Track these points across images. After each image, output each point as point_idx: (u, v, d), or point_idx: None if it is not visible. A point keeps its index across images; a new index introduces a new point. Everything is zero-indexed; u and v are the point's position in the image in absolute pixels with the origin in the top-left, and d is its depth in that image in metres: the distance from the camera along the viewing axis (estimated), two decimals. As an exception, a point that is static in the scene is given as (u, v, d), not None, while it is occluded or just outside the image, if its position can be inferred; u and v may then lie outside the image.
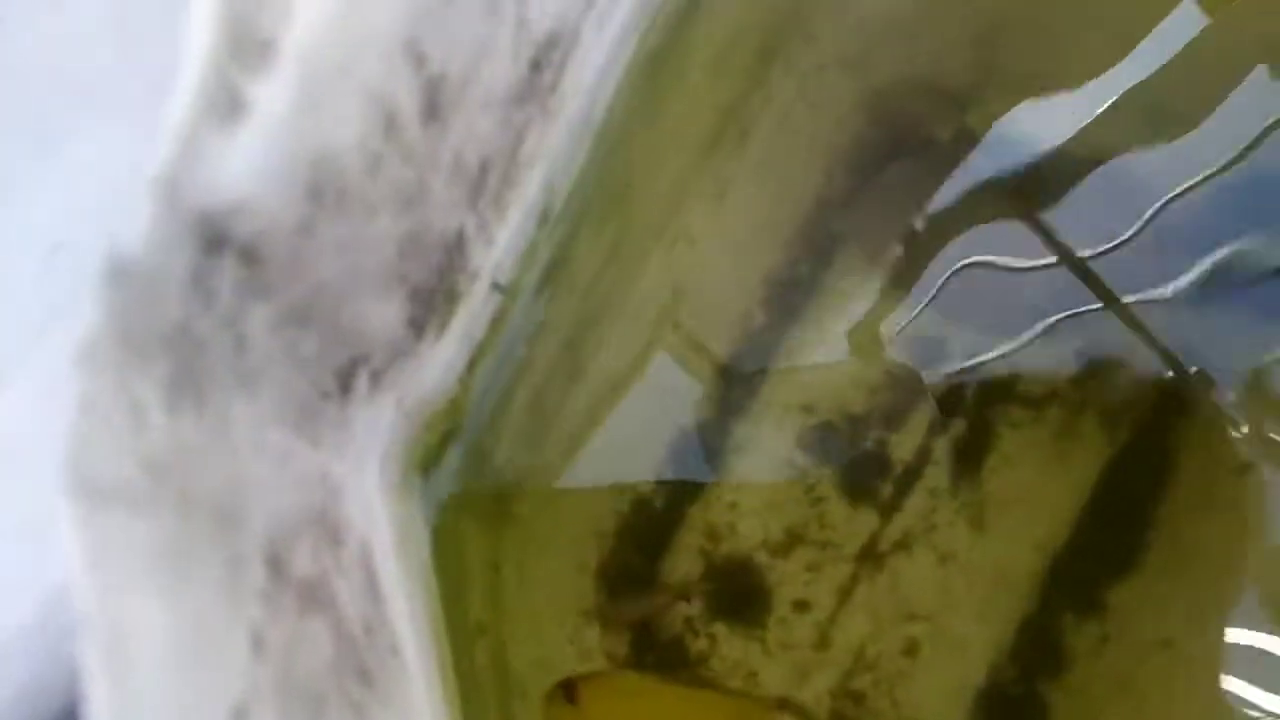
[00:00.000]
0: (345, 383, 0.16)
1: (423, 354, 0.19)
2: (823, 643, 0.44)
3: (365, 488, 0.18)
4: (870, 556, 0.44)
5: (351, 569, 0.15)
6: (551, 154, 0.21)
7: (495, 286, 0.21)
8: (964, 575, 0.44)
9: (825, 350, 0.47)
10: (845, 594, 0.44)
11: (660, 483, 0.45)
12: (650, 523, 0.45)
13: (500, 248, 0.20)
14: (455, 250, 0.18)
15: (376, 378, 0.17)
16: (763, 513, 0.45)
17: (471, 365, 0.22)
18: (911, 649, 0.43)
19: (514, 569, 0.39)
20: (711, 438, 0.46)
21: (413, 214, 0.15)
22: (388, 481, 0.20)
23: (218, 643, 0.10)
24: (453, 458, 0.25)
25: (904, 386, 0.47)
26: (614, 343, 0.40)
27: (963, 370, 0.46)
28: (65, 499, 0.09)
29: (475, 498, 0.29)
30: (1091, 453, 0.45)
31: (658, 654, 0.44)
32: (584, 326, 0.34)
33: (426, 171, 0.15)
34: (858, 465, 0.45)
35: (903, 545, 0.44)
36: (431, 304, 0.18)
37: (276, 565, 0.12)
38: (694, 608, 0.44)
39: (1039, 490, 0.44)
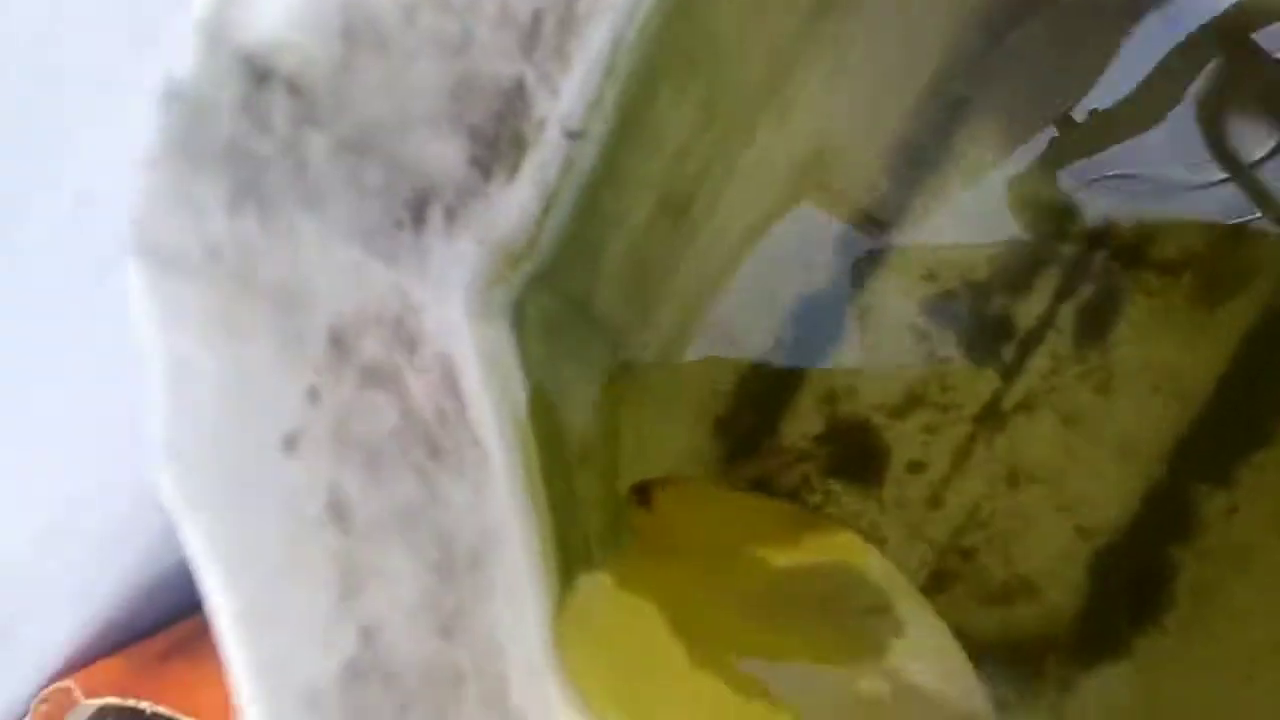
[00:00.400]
0: (418, 214, 0.18)
1: (494, 196, 0.21)
2: (936, 501, 0.45)
3: (450, 317, 0.21)
4: (990, 418, 0.45)
5: (429, 367, 0.18)
6: (615, 7, 0.22)
7: (568, 134, 0.22)
8: (1087, 439, 0.44)
9: (950, 218, 0.47)
10: (962, 455, 0.45)
11: (780, 344, 0.47)
12: (769, 383, 0.47)
13: (567, 99, 0.22)
14: (515, 98, 0.19)
15: (451, 214, 0.20)
16: (882, 376, 0.46)
17: (548, 210, 0.24)
18: (1027, 509, 0.44)
19: (623, 421, 0.42)
20: (833, 303, 0.47)
21: (459, 61, 0.17)
22: (475, 318, 0.23)
23: (273, 389, 0.13)
24: (549, 302, 0.27)
25: (1030, 253, 0.46)
26: (725, 208, 0.41)
27: (1094, 236, 0.45)
28: (132, 258, 0.11)
29: (577, 348, 0.32)
30: (1229, 323, 0.43)
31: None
32: (686, 187, 0.35)
33: (469, 21, 0.17)
34: (980, 330, 0.45)
35: (1025, 407, 0.44)
36: (496, 147, 0.20)
37: (340, 343, 0.14)
38: (811, 466, 0.46)
39: (1170, 358, 0.43)
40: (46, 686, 0.39)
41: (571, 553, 0.25)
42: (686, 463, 0.46)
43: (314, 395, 0.13)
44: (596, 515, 0.31)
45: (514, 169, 0.21)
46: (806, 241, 0.46)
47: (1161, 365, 0.43)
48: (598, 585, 0.26)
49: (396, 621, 0.14)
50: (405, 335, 0.17)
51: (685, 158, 0.31)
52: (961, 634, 0.43)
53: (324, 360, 0.14)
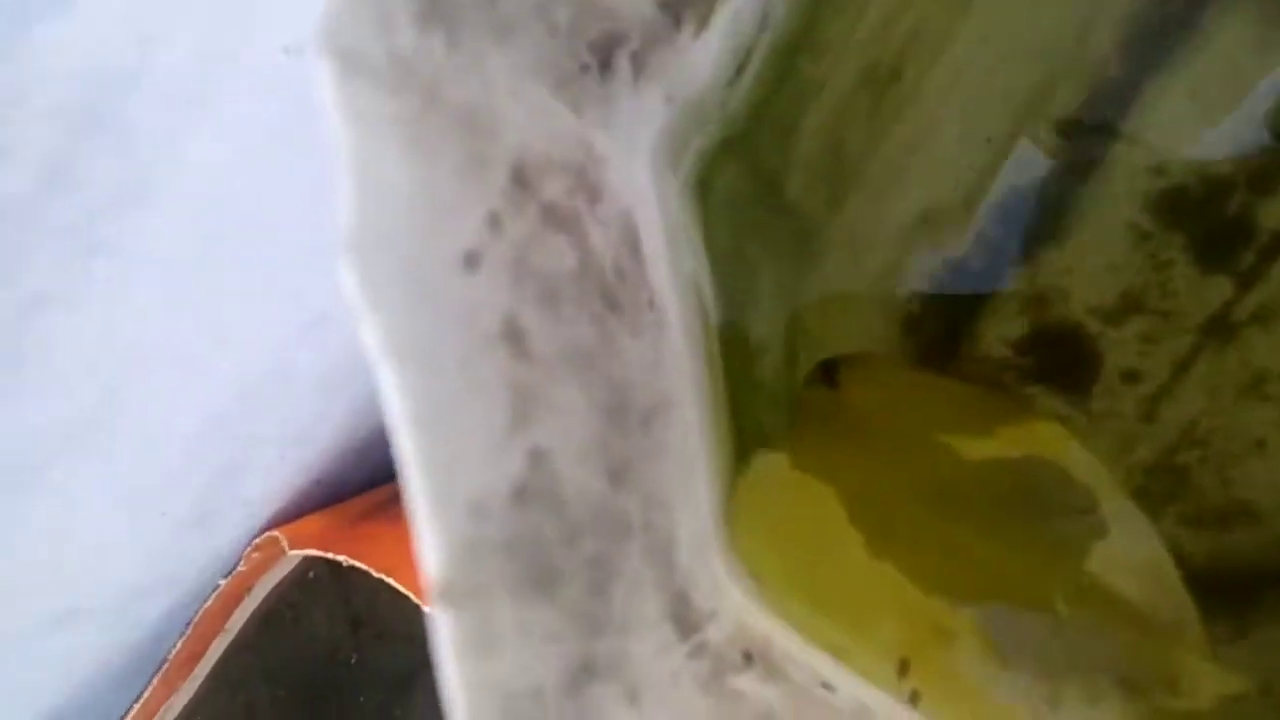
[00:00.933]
0: (604, 59, 0.18)
1: (683, 45, 0.20)
2: (1150, 415, 0.42)
3: (635, 173, 0.20)
4: (1219, 329, 0.41)
5: (610, 221, 0.18)
6: None
7: None
8: (1333, 351, 0.39)
9: (1189, 106, 0.42)
10: (1183, 366, 0.41)
11: (983, 240, 0.44)
12: (969, 282, 0.44)
13: None
14: None
15: (638, 61, 0.19)
16: (1098, 278, 0.43)
17: (741, 69, 0.23)
18: (1254, 429, 0.40)
19: (806, 317, 0.41)
20: (1048, 197, 0.44)
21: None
22: (662, 183, 0.22)
23: (456, 206, 0.13)
24: (736, 178, 0.26)
25: (1283, 143, 0.41)
26: (933, 86, 0.38)
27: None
28: (322, 59, 0.11)
29: (763, 232, 0.30)
30: None
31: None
32: (891, 59, 0.33)
33: None
34: (1215, 231, 0.41)
35: (1260, 318, 0.40)
36: (684, -8, 0.19)
37: (522, 179, 0.14)
38: (1011, 373, 0.44)
39: None
40: (259, 536, 0.42)
41: (746, 434, 0.25)
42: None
43: (495, 222, 0.13)
44: (772, 405, 0.30)
45: (705, 18, 0.20)
46: (1022, 126, 0.43)
47: None
48: (774, 466, 0.26)
49: (567, 454, 0.14)
50: (587, 184, 0.17)
51: (892, 23, 0.29)
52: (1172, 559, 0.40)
53: (506, 190, 0.14)
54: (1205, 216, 0.41)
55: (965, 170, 0.43)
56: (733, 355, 0.25)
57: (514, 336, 0.13)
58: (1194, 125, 0.42)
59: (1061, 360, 0.43)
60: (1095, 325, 0.42)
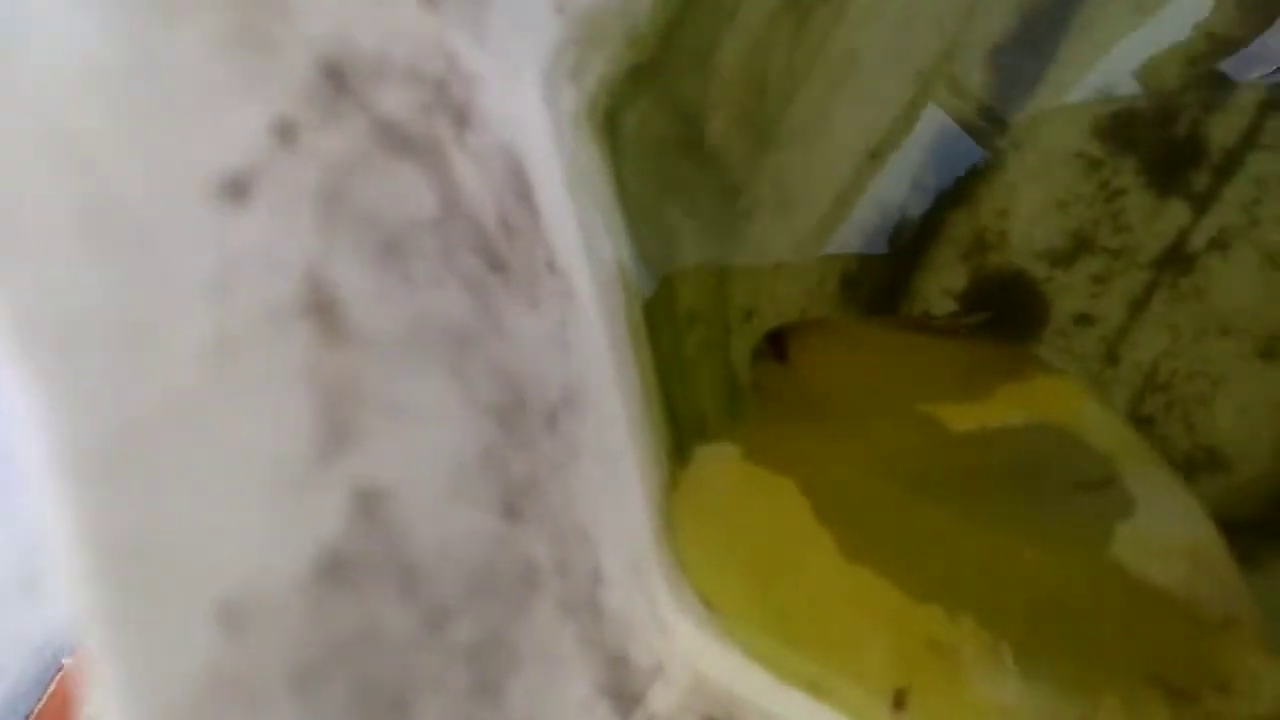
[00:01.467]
0: (466, -64, 0.13)
1: None
2: (1110, 358, 0.38)
3: (521, 105, 0.16)
4: (1175, 260, 0.38)
5: (486, 157, 0.13)
6: None
7: None
8: (1295, 275, 0.36)
9: (1132, 15, 0.39)
10: (1139, 305, 0.38)
11: (917, 186, 0.40)
12: (905, 231, 0.41)
13: None
14: None
15: None
16: (1043, 216, 0.39)
17: None
18: (1217, 367, 0.37)
19: (735, 280, 0.36)
20: (983, 130, 0.40)
21: None
22: (558, 114, 0.17)
23: (214, 103, 0.08)
24: (651, 115, 0.22)
25: (1232, 54, 0.38)
26: (858, 14, 0.34)
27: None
28: None
29: (684, 186, 0.26)
30: None
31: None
32: None
33: None
34: (1167, 152, 0.38)
35: (1219, 245, 0.37)
36: None
37: (338, 78, 0.09)
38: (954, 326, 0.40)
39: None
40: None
41: (683, 424, 0.20)
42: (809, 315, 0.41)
43: (285, 131, 0.08)
44: (711, 386, 0.26)
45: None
46: (951, 50, 0.39)
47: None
48: (722, 458, 0.21)
49: (420, 491, 0.09)
50: (451, 105, 0.12)
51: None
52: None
53: (307, 90, 0.09)
54: (1158, 137, 0.38)
55: (892, 104, 0.40)
56: (659, 328, 0.20)
57: (321, 307, 0.08)
58: (1134, 40, 0.38)
59: (1006, 310, 0.40)
60: (1041, 269, 0.39)
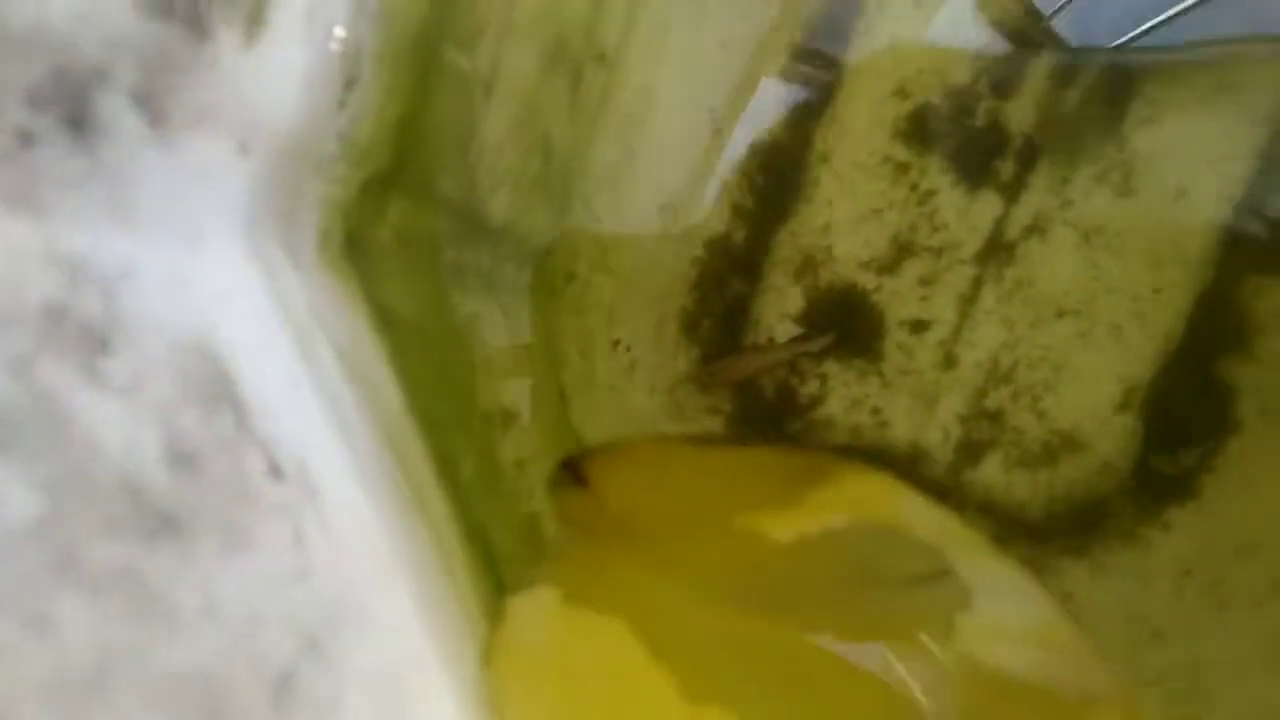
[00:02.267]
0: (73, 112, 0.10)
1: (230, 65, 0.13)
2: (948, 361, 0.38)
3: (211, 267, 0.13)
4: (996, 251, 0.37)
5: (144, 378, 0.10)
6: None
7: None
8: (1115, 253, 0.36)
9: (910, 19, 0.39)
10: (969, 301, 0.38)
11: (739, 212, 0.39)
12: (733, 263, 0.39)
13: None
14: None
15: (150, 103, 0.12)
16: (861, 226, 0.39)
17: (352, 82, 0.16)
18: (1056, 351, 0.37)
19: (572, 340, 0.34)
20: (788, 148, 0.39)
21: None
22: (271, 257, 0.15)
23: None
24: (410, 220, 0.19)
25: (1014, 40, 0.38)
26: (639, 59, 0.32)
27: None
28: None
29: (478, 266, 0.23)
30: (1266, 94, 0.35)
31: (765, 406, 0.39)
32: (580, 36, 0.26)
33: None
34: (969, 145, 0.38)
35: (1035, 229, 0.37)
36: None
37: None
38: (809, 360, 0.39)
39: (1200, 138, 0.35)
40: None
41: (503, 556, 0.18)
42: (653, 366, 0.39)
43: None
44: (506, 523, 0.23)
45: (256, 17, 0.13)
46: (745, 82, 0.38)
47: (1190, 147, 0.35)
48: (539, 609, 0.18)
49: None
50: (76, 330, 0.09)
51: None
52: (1007, 507, 0.36)
53: None
54: (957, 131, 0.37)
55: (688, 140, 0.38)
56: (457, 461, 0.18)
57: None
58: (916, 32, 0.38)
59: (844, 326, 0.39)
60: (869, 279, 0.38)
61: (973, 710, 0.21)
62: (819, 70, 0.39)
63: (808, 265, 0.39)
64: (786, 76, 0.38)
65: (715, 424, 0.40)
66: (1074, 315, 0.37)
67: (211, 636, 0.09)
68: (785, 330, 0.40)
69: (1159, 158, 0.36)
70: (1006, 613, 0.23)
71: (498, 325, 0.26)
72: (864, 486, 0.25)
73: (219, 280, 0.13)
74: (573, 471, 0.24)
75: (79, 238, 0.10)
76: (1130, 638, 0.35)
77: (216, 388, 0.12)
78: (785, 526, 0.22)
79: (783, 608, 0.21)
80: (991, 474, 0.38)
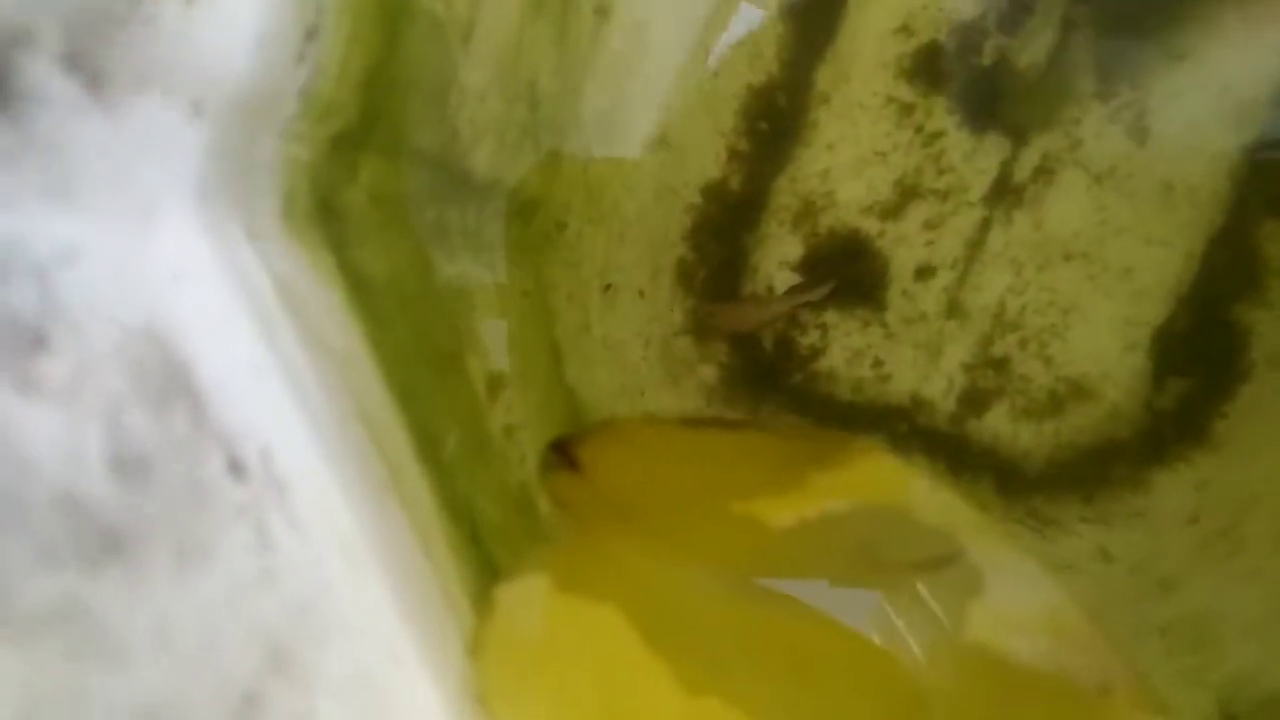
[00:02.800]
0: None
1: (172, 21, 0.11)
2: (953, 308, 0.37)
3: (160, 244, 0.12)
4: (1004, 194, 0.36)
5: (86, 376, 0.09)
6: None
7: None
8: (1126, 194, 0.35)
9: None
10: (975, 246, 0.37)
11: (735, 155, 0.38)
12: (730, 211, 0.38)
13: None
14: None
15: (82, 65, 0.10)
16: (864, 170, 0.37)
17: (312, 33, 0.14)
18: (1065, 295, 0.36)
19: (563, 293, 0.33)
20: (790, 89, 0.38)
21: None
22: (227, 230, 0.13)
23: None
24: (381, 177, 0.18)
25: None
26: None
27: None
28: None
29: (460, 223, 0.22)
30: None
31: (763, 358, 0.38)
32: None
33: None
34: (977, 85, 0.36)
35: (1044, 170, 0.36)
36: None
37: None
38: (809, 310, 0.38)
39: (1222, 72, 0.34)
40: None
41: (489, 530, 0.17)
42: (648, 319, 0.38)
43: None
44: (499, 499, 0.22)
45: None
46: (746, 22, 0.36)
47: (1210, 81, 0.34)
48: (530, 598, 0.17)
49: None
50: (9, 328, 0.08)
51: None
52: (1011, 456, 0.36)
53: None
54: (964, 70, 0.36)
55: (689, 79, 0.37)
56: (441, 437, 0.17)
57: None
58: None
59: (846, 273, 0.38)
60: (872, 224, 0.37)
61: (985, 699, 0.20)
62: (823, 6, 0.37)
63: (808, 211, 0.38)
64: (790, 6, 0.36)
65: (711, 375, 0.39)
66: (1083, 258, 0.36)
67: (163, 665, 0.08)
68: (785, 280, 0.38)
69: (1175, 95, 0.34)
70: (1019, 600, 0.22)
71: (485, 284, 0.25)
72: (869, 470, 0.24)
73: (173, 259, 0.12)
74: (563, 454, 0.23)
75: (7, 220, 0.09)
76: (1136, 587, 0.35)
77: (170, 380, 0.11)
78: (784, 510, 0.22)
79: (785, 594, 0.20)
80: (997, 423, 0.37)
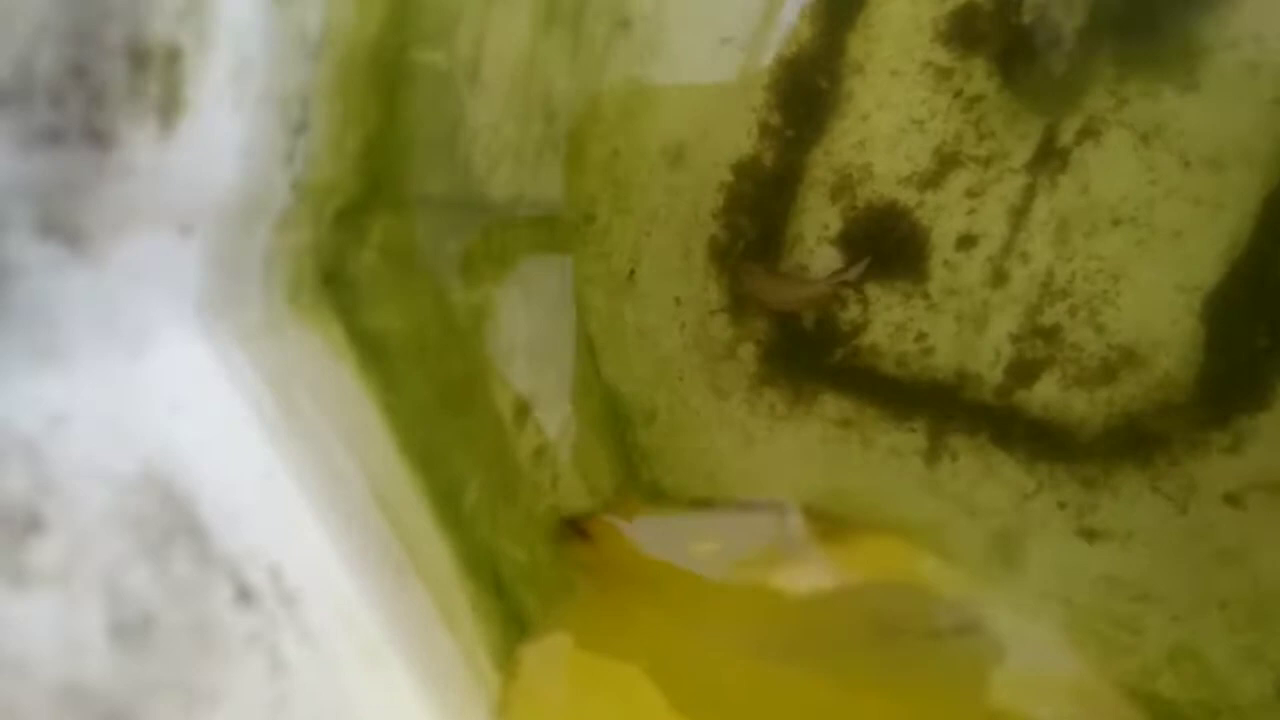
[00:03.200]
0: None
1: (142, 160, 0.11)
2: (998, 278, 0.36)
3: (159, 365, 0.12)
4: (1048, 158, 0.35)
5: (81, 548, 0.10)
6: None
7: None
8: (1175, 154, 0.34)
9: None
10: (1020, 213, 0.36)
11: (769, 131, 0.37)
12: (763, 187, 0.38)
13: None
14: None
15: (60, 229, 0.10)
16: (902, 139, 0.36)
17: (300, 128, 0.14)
18: (1114, 261, 0.35)
19: (597, 286, 0.33)
20: (821, 58, 0.37)
21: None
22: (225, 332, 0.14)
23: None
24: (396, 235, 0.18)
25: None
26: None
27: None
28: None
29: (488, 249, 0.22)
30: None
31: (803, 335, 0.38)
32: None
33: None
34: (1017, 45, 0.35)
35: (1089, 132, 0.34)
36: (97, 92, 0.10)
37: None
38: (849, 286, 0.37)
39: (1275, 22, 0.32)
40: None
41: (512, 577, 0.17)
42: (689, 310, 0.38)
43: None
44: (524, 553, 0.22)
45: (171, 99, 0.11)
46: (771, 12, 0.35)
47: (1265, 32, 0.32)
48: (553, 658, 0.18)
49: None
50: (2, 517, 0.09)
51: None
52: (1065, 425, 0.35)
53: None
54: (1003, 29, 0.34)
55: (720, 58, 0.36)
56: (461, 492, 0.17)
57: None
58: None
59: (887, 246, 0.37)
60: (911, 195, 0.36)
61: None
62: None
63: (844, 184, 0.37)
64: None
65: (750, 355, 0.38)
66: (1131, 223, 0.35)
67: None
68: (823, 255, 0.38)
69: (1227, 47, 0.32)
70: (1041, 664, 0.22)
71: (513, 301, 0.25)
72: (878, 548, 0.24)
73: (170, 387, 0.12)
74: (576, 530, 0.23)
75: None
76: (1193, 557, 0.34)
77: (171, 522, 0.11)
78: (799, 582, 0.21)
79: (802, 656, 0.20)
80: (1047, 393, 0.36)
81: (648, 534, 0.24)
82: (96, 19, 0.10)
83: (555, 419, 0.25)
